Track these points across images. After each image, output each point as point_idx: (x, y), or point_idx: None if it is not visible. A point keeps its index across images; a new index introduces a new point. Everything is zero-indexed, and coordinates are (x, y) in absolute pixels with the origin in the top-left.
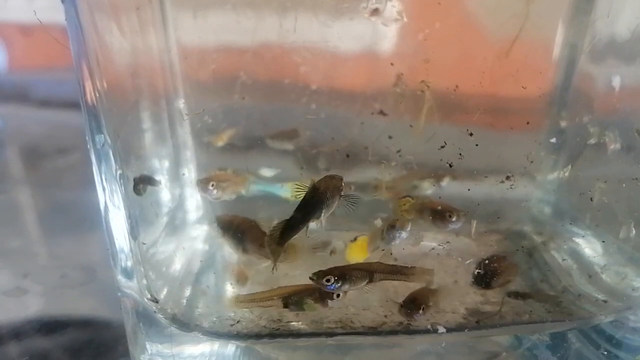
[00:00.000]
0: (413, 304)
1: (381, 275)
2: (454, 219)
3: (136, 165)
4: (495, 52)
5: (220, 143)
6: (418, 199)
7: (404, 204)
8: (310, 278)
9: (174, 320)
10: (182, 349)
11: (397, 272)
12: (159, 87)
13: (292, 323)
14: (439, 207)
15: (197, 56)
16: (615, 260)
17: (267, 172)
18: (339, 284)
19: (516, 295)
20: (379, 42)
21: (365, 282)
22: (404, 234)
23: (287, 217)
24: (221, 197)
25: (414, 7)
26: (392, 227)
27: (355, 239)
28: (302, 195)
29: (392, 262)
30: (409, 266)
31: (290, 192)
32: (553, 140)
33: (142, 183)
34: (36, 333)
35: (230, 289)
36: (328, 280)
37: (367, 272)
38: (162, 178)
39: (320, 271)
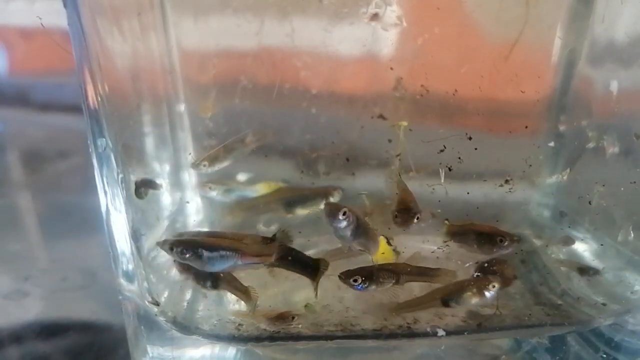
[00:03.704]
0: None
1: (407, 276)
2: (505, 244)
3: (137, 168)
4: (494, 57)
5: (209, 113)
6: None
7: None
8: (339, 277)
9: (175, 323)
10: (183, 352)
11: (423, 273)
12: (160, 90)
13: (292, 326)
14: (486, 231)
15: (198, 60)
16: (614, 264)
17: (241, 177)
18: (366, 285)
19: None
20: (379, 46)
21: (391, 283)
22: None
23: None
24: None
25: (414, 11)
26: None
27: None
28: None
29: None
30: (434, 268)
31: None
32: (552, 144)
33: (144, 186)
34: (37, 336)
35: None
36: (355, 281)
37: (394, 273)
38: (163, 182)
39: (348, 271)
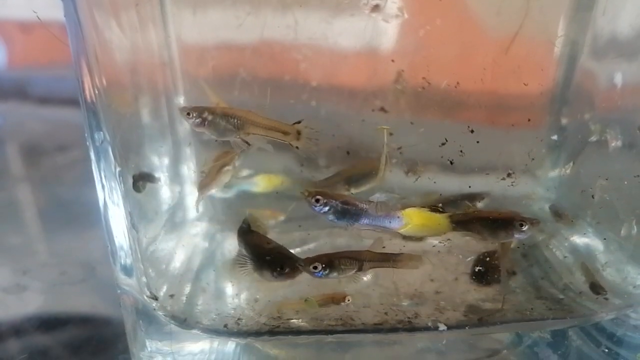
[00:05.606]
0: None
1: (371, 263)
2: (524, 228)
3: (135, 162)
4: (496, 49)
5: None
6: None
7: None
8: (298, 265)
9: (174, 317)
10: (181, 346)
11: (386, 259)
12: (159, 83)
13: (292, 320)
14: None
15: (197, 52)
16: (617, 258)
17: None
18: (326, 271)
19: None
20: (380, 38)
21: (354, 270)
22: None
23: None
24: None
25: (415, 3)
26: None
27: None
28: None
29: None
30: (397, 253)
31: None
32: (554, 137)
33: (142, 180)
34: (36, 330)
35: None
36: (315, 267)
37: (356, 260)
38: (161, 175)
39: (307, 258)
